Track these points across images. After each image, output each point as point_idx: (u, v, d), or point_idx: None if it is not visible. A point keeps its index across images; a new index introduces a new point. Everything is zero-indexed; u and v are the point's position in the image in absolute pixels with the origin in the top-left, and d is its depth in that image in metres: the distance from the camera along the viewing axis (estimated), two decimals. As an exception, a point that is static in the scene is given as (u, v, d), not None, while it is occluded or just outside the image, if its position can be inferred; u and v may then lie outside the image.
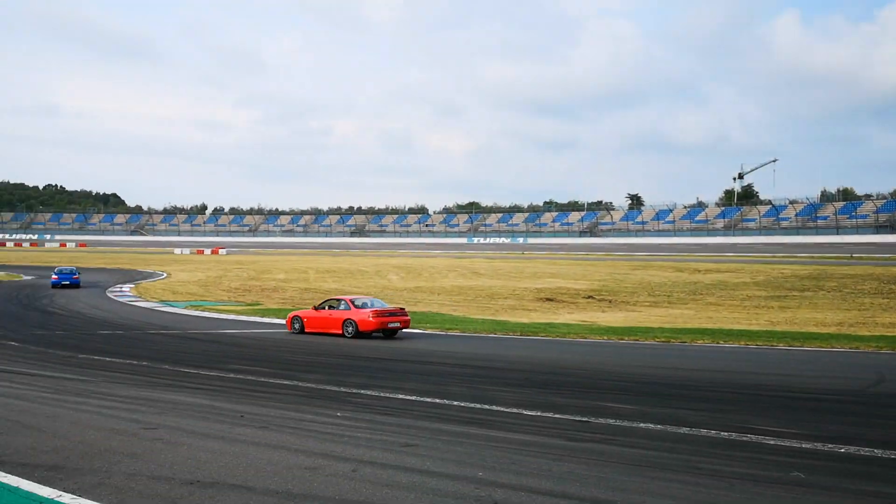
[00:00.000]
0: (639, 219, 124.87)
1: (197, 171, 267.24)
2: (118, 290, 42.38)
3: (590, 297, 36.12)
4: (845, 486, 6.79)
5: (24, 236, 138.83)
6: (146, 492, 6.18)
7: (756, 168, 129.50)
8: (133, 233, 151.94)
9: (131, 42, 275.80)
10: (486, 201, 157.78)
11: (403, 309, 22.83)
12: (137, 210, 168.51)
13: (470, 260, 74.54)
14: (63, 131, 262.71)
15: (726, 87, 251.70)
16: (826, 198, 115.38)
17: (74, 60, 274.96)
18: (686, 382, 13.41)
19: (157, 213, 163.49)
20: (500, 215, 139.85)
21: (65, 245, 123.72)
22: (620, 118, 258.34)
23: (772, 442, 8.45)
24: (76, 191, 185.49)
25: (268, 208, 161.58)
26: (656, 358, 17.50)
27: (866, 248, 75.50)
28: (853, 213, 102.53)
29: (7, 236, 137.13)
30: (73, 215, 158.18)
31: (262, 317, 28.55)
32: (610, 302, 34.15)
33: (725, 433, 8.88)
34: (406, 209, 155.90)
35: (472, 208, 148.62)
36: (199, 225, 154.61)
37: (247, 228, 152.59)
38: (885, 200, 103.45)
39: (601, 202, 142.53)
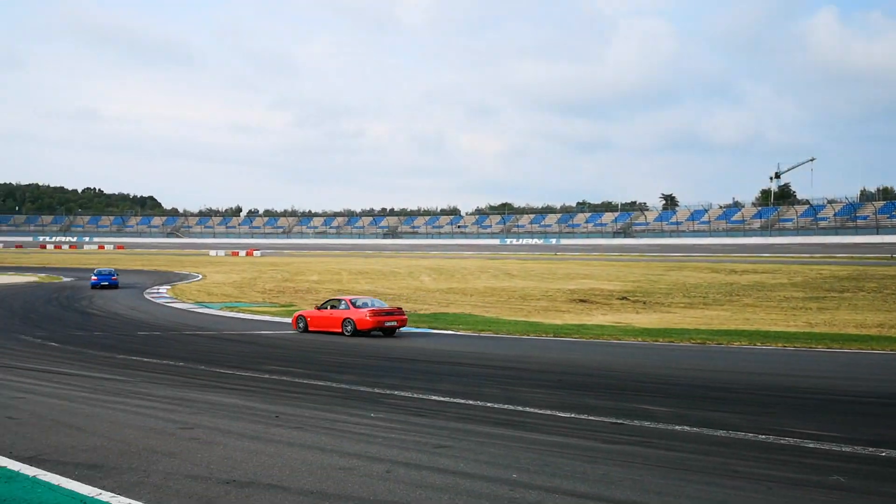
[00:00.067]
0: (673, 219, 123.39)
1: (231, 173, 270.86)
2: (155, 291, 43.05)
3: (624, 298, 35.81)
4: (886, 489, 6.65)
5: (63, 239, 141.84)
6: (184, 491, 6.24)
7: (793, 167, 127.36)
8: (169, 235, 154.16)
9: (168, 47, 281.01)
10: (518, 202, 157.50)
11: (401, 308, 24.19)
12: (173, 212, 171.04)
13: (502, 261, 74.37)
14: (102, 136, 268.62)
15: (762, 85, 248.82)
16: (866, 197, 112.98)
17: (113, 66, 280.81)
18: (723, 385, 13.21)
19: (192, 215, 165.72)
20: (532, 216, 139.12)
21: (103, 247, 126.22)
22: (654, 118, 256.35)
23: (811, 445, 8.30)
24: (114, 194, 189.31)
25: (301, 210, 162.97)
26: (692, 360, 17.28)
27: (908, 248, 73.90)
28: (894, 213, 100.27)
29: (47, 239, 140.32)
30: (111, 218, 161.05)
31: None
32: (644, 303, 33.81)
33: (763, 436, 8.73)
34: (438, 210, 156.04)
35: (505, 209, 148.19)
36: (234, 227, 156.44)
37: (281, 230, 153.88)
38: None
39: (635, 203, 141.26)
